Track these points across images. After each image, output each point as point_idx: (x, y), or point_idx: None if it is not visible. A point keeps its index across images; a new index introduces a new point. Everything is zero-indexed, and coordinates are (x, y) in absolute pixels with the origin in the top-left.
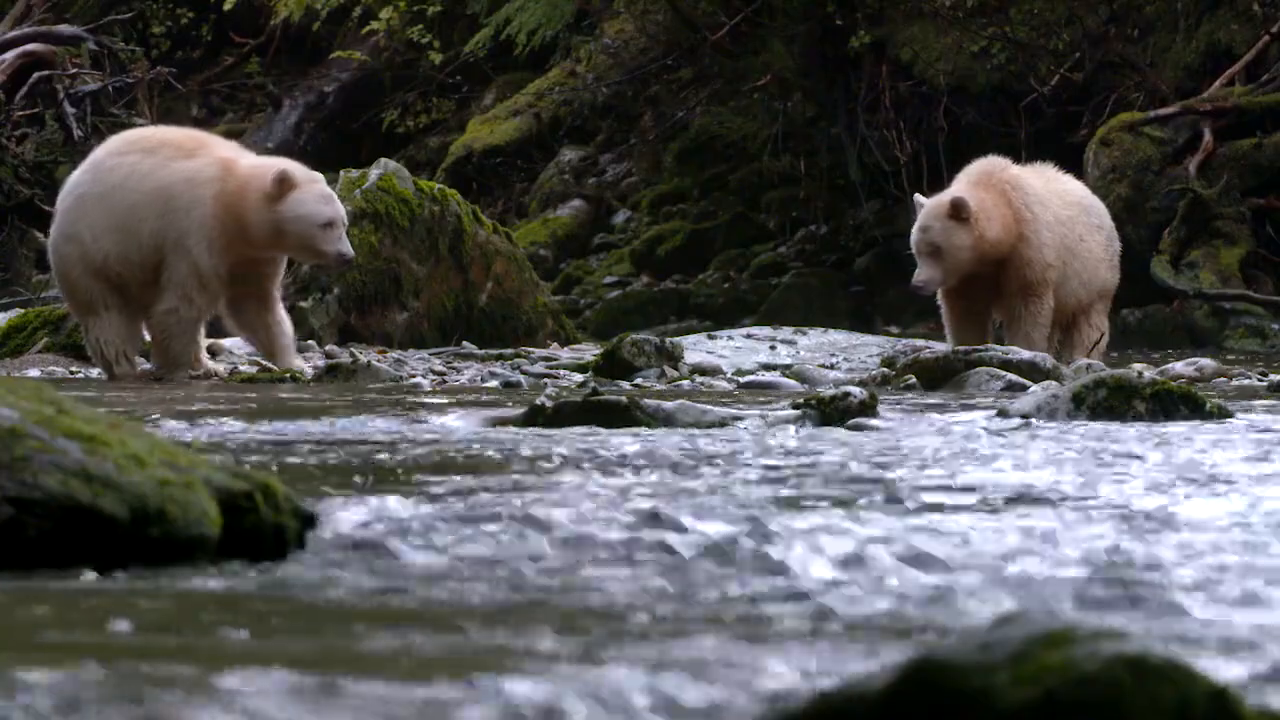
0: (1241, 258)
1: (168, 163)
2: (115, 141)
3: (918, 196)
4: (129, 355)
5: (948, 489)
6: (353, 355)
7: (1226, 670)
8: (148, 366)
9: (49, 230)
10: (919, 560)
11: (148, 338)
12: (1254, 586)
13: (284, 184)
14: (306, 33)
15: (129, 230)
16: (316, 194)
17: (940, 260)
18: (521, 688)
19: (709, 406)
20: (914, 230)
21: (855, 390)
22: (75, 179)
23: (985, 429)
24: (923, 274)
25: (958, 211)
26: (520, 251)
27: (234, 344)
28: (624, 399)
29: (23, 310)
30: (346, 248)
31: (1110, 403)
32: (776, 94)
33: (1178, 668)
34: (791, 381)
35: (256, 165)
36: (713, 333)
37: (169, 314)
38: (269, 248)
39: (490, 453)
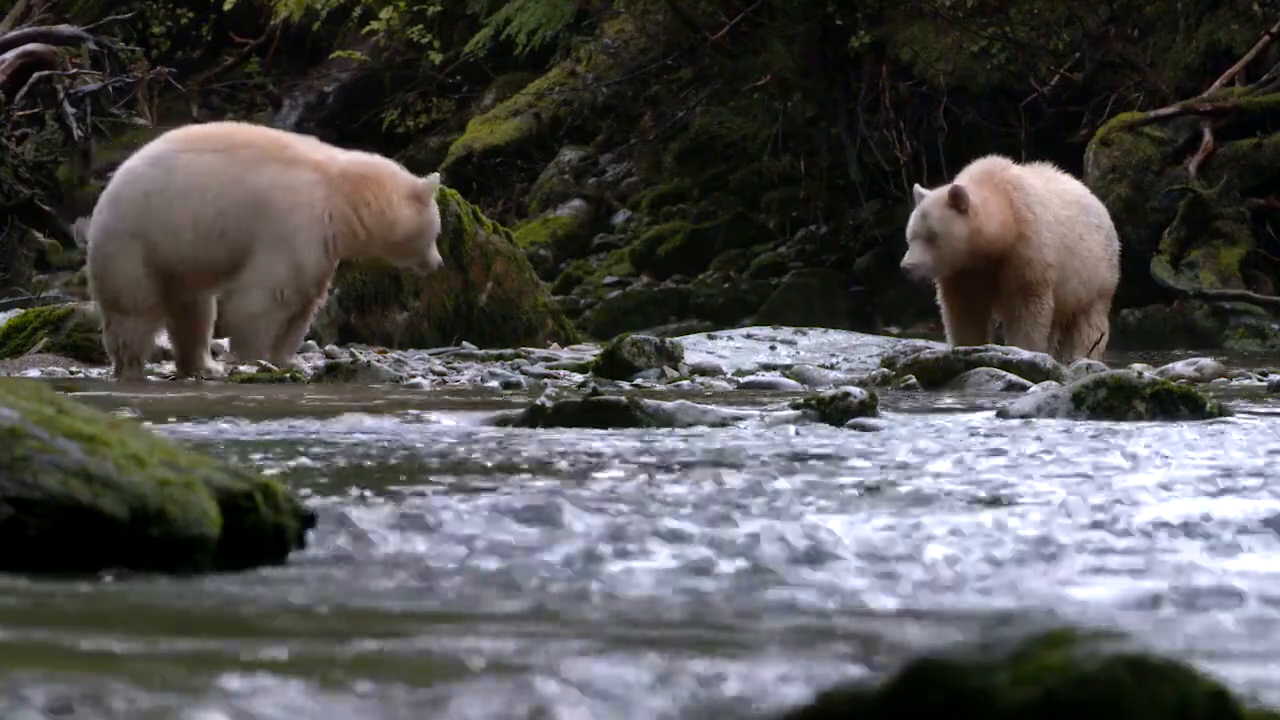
0: (1241, 258)
1: (257, 165)
2: (183, 138)
3: (918, 188)
4: (142, 360)
5: (946, 489)
6: (353, 355)
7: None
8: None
9: (49, 230)
10: (913, 559)
11: (163, 344)
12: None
13: (431, 190)
14: (306, 33)
15: (215, 231)
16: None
17: (934, 247)
18: (516, 693)
19: (709, 407)
20: (912, 216)
21: (855, 390)
22: (138, 173)
23: (985, 429)
24: (913, 257)
25: (957, 201)
26: (520, 251)
27: None
28: (624, 399)
29: (23, 310)
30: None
31: (1110, 403)
32: (776, 94)
33: (1178, 668)
34: (791, 382)
35: (399, 172)
36: (713, 333)
37: (262, 316)
38: (387, 250)
39: (490, 453)
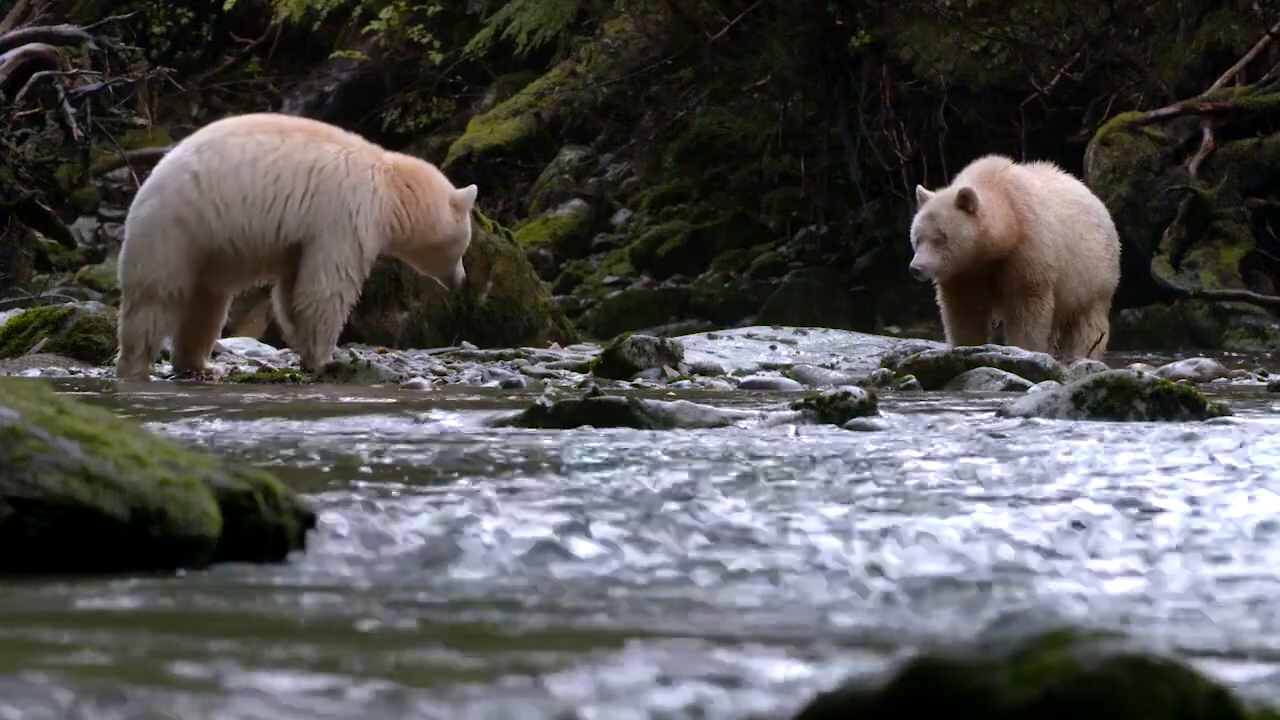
0: (1242, 258)
1: (312, 144)
2: (231, 126)
3: (920, 189)
4: (155, 352)
5: (946, 489)
6: (353, 355)
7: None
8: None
9: (49, 230)
10: (912, 559)
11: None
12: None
13: (470, 200)
14: (306, 33)
15: (266, 202)
16: None
17: (943, 248)
18: (520, 698)
19: (709, 406)
20: (917, 218)
21: (855, 390)
22: (184, 161)
23: (985, 429)
24: (922, 259)
25: (965, 203)
26: (520, 251)
27: (234, 344)
28: (624, 399)
29: (23, 310)
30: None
31: (1110, 403)
32: (776, 94)
33: (1178, 668)
34: (791, 381)
35: (444, 177)
36: (713, 333)
37: (333, 299)
38: (422, 251)
39: (490, 453)
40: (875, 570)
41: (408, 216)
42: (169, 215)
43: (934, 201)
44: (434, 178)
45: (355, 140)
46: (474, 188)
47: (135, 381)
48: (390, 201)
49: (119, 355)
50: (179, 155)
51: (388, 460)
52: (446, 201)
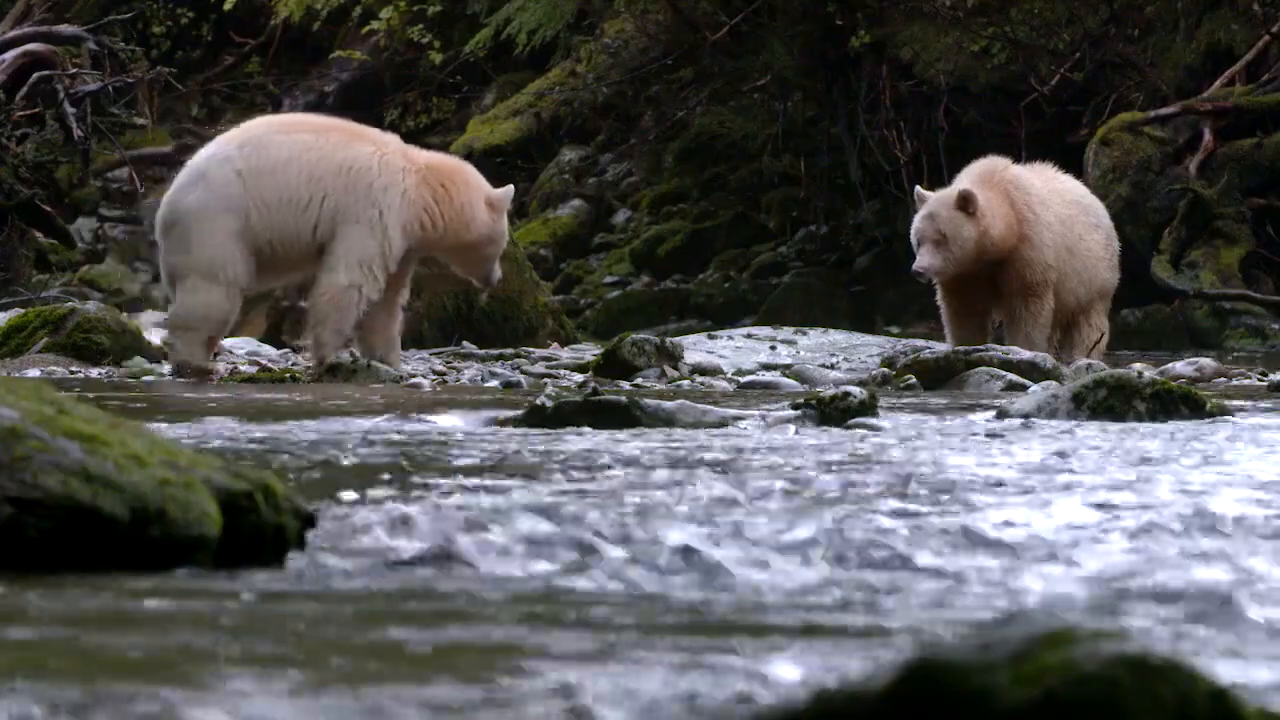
0: (1242, 258)
1: (348, 144)
2: (268, 123)
3: (919, 189)
4: (216, 339)
5: (946, 488)
6: (353, 355)
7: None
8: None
9: (48, 230)
10: (913, 560)
11: (155, 341)
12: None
13: (507, 200)
14: (306, 33)
15: (302, 202)
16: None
17: (944, 249)
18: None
19: (709, 407)
20: (918, 219)
21: (855, 390)
22: (226, 154)
23: (985, 429)
24: (924, 260)
25: (965, 204)
26: (520, 251)
27: (234, 344)
28: (624, 399)
29: (23, 310)
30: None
31: (1110, 403)
32: (776, 94)
33: (1178, 668)
34: (791, 381)
35: (480, 176)
36: (713, 333)
37: (350, 290)
38: (456, 250)
39: (490, 453)
40: (873, 571)
41: (440, 215)
42: (219, 205)
43: (934, 202)
44: (470, 177)
45: (391, 141)
46: (510, 188)
47: (194, 371)
48: (421, 201)
49: (173, 342)
50: (221, 150)
51: (387, 460)
52: (482, 201)
